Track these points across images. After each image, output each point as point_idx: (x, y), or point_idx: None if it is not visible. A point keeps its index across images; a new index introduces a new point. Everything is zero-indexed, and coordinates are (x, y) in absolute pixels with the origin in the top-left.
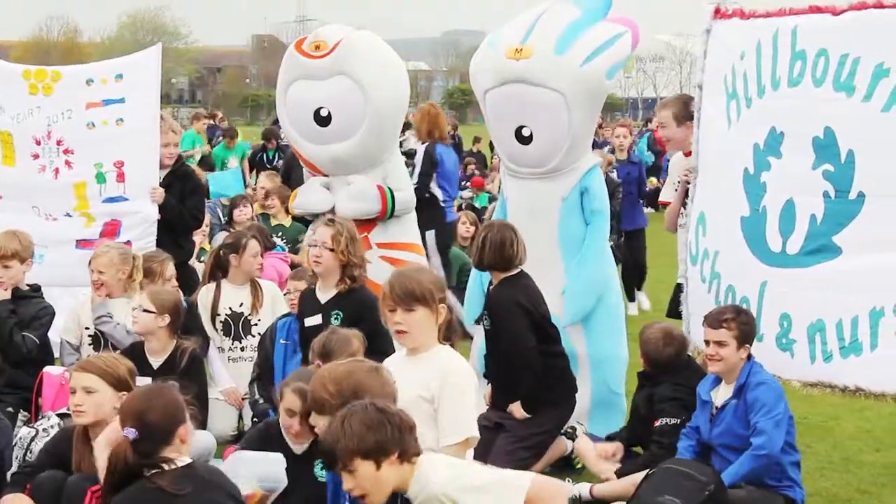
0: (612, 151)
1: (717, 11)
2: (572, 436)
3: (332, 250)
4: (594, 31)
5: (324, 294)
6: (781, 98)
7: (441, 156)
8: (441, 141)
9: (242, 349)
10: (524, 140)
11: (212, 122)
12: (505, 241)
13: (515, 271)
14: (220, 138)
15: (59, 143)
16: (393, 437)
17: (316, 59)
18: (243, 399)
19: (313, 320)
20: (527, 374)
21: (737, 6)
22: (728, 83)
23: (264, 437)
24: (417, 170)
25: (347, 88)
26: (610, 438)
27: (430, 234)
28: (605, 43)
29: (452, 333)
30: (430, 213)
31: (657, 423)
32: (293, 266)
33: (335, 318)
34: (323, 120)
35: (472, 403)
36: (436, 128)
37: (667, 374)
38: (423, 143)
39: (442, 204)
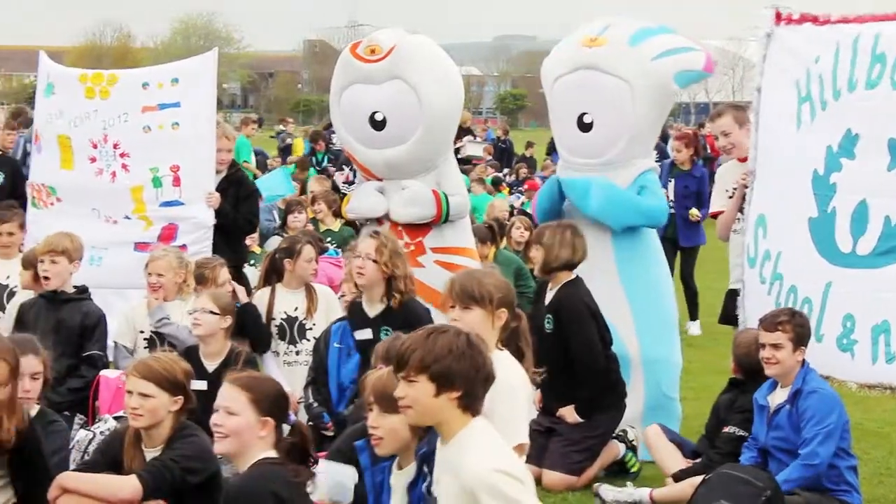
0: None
1: (778, 16)
2: (625, 439)
3: (375, 262)
4: (669, 37)
5: (371, 308)
6: (858, 100)
7: None
8: None
9: (297, 353)
10: (585, 127)
11: (282, 127)
12: (575, 241)
13: (574, 274)
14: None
15: (115, 146)
16: (468, 375)
17: (371, 63)
18: (298, 403)
19: (363, 334)
20: (594, 376)
21: (795, 11)
22: (801, 86)
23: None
24: None
25: (403, 92)
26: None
27: None
28: (678, 48)
29: (519, 341)
30: None
31: (725, 430)
32: None
33: (385, 334)
34: (378, 124)
35: (524, 410)
36: None
37: (755, 384)
38: None
39: None
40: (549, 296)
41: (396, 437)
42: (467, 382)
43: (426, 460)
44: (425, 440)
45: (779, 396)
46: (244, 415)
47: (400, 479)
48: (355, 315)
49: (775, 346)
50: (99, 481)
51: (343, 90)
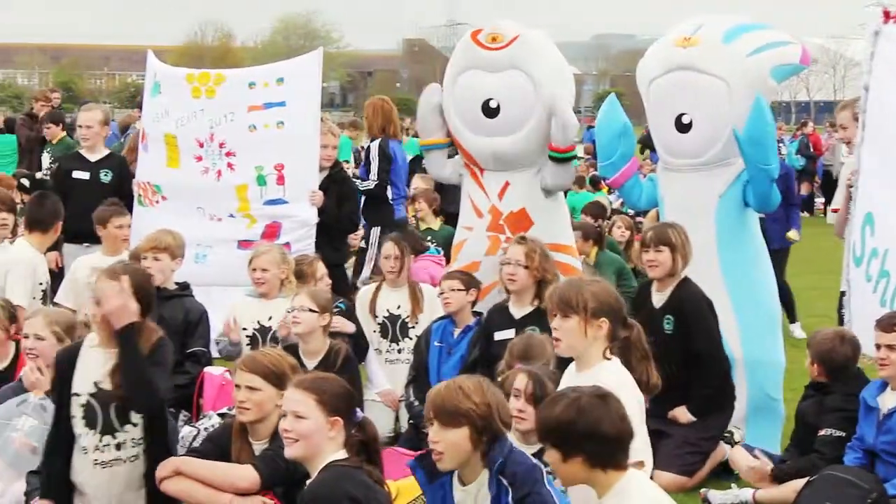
0: None
1: (886, 14)
2: (730, 441)
3: (526, 268)
4: (764, 32)
5: (518, 310)
6: None
7: (393, 151)
8: (394, 137)
9: (399, 351)
10: (683, 128)
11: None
12: (688, 239)
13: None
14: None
15: (221, 145)
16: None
17: (493, 50)
18: (399, 401)
19: (505, 334)
20: (716, 375)
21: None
22: None
23: None
24: (375, 165)
25: (520, 83)
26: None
27: (376, 231)
28: (773, 42)
29: (631, 352)
30: (378, 209)
31: (822, 432)
32: None
33: None
34: (491, 111)
35: (638, 425)
36: (389, 123)
37: (839, 383)
38: (375, 140)
39: (391, 201)
40: (659, 297)
41: (458, 452)
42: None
43: (502, 471)
44: (497, 451)
45: (890, 399)
46: (313, 417)
47: (469, 494)
48: (499, 316)
49: (890, 347)
50: (217, 469)
51: (459, 74)
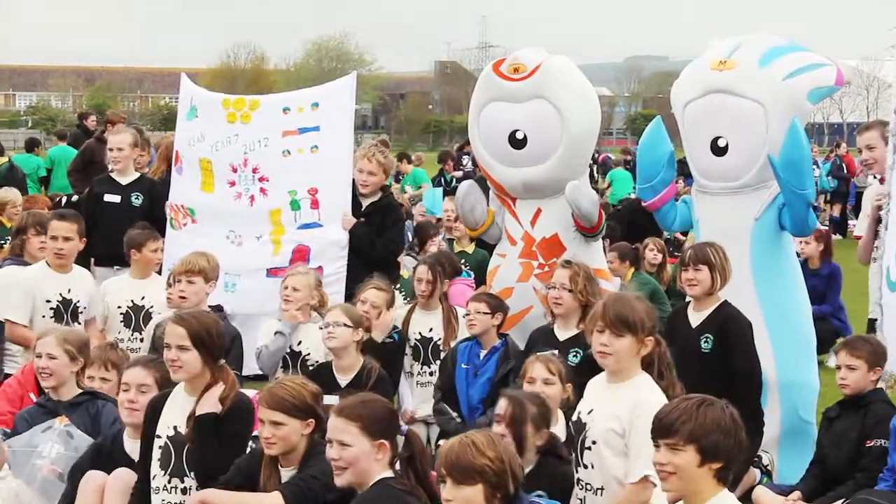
0: None
1: None
2: (759, 465)
3: (570, 291)
4: (799, 55)
5: (563, 332)
6: None
7: None
8: None
9: (431, 374)
10: (719, 151)
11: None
12: (727, 259)
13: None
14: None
15: (254, 170)
16: (730, 450)
17: (515, 81)
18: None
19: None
20: (753, 396)
21: None
22: None
23: None
24: None
25: (545, 112)
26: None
27: None
28: (809, 65)
29: (661, 365)
30: None
31: (868, 444)
32: None
33: (574, 356)
34: (518, 143)
35: None
36: None
37: (876, 394)
38: None
39: None
40: (697, 317)
41: None
42: (730, 455)
43: None
44: None
45: None
46: (358, 445)
47: None
48: (544, 338)
49: None
50: (241, 497)
51: (483, 107)
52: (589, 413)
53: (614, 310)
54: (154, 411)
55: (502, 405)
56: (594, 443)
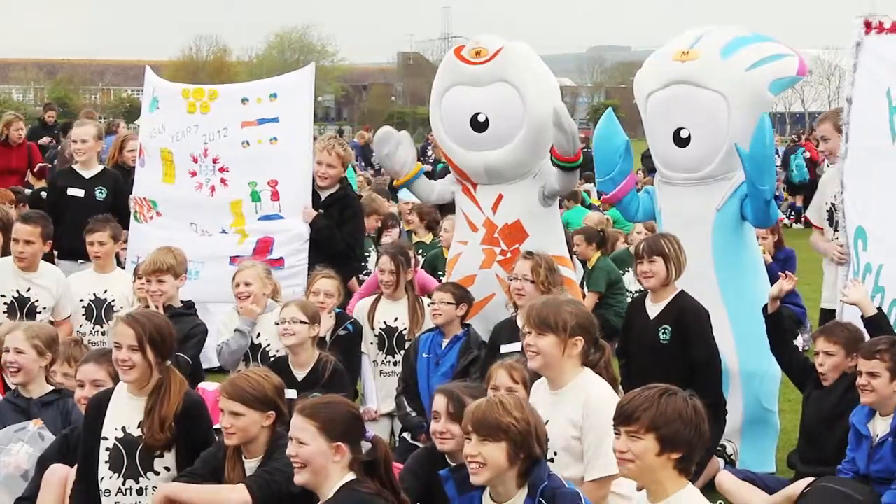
0: None
1: (867, 25)
2: (723, 454)
3: (532, 282)
4: (762, 46)
5: None
6: None
7: None
8: None
9: (395, 364)
10: (682, 142)
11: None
12: (681, 248)
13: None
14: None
15: (215, 160)
16: (691, 440)
17: (476, 65)
18: (386, 414)
19: (512, 347)
20: (713, 385)
21: (887, 20)
22: (892, 97)
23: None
24: None
25: (507, 95)
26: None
27: None
28: (771, 56)
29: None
30: None
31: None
32: None
33: None
34: (480, 126)
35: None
36: None
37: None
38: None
39: None
40: (655, 308)
41: (495, 466)
42: (691, 447)
43: (543, 494)
44: (540, 473)
45: (880, 426)
46: (315, 444)
47: None
48: (507, 330)
49: (872, 375)
50: (207, 492)
51: (445, 92)
52: (545, 424)
53: (537, 311)
54: (98, 412)
55: (439, 402)
56: (556, 454)
